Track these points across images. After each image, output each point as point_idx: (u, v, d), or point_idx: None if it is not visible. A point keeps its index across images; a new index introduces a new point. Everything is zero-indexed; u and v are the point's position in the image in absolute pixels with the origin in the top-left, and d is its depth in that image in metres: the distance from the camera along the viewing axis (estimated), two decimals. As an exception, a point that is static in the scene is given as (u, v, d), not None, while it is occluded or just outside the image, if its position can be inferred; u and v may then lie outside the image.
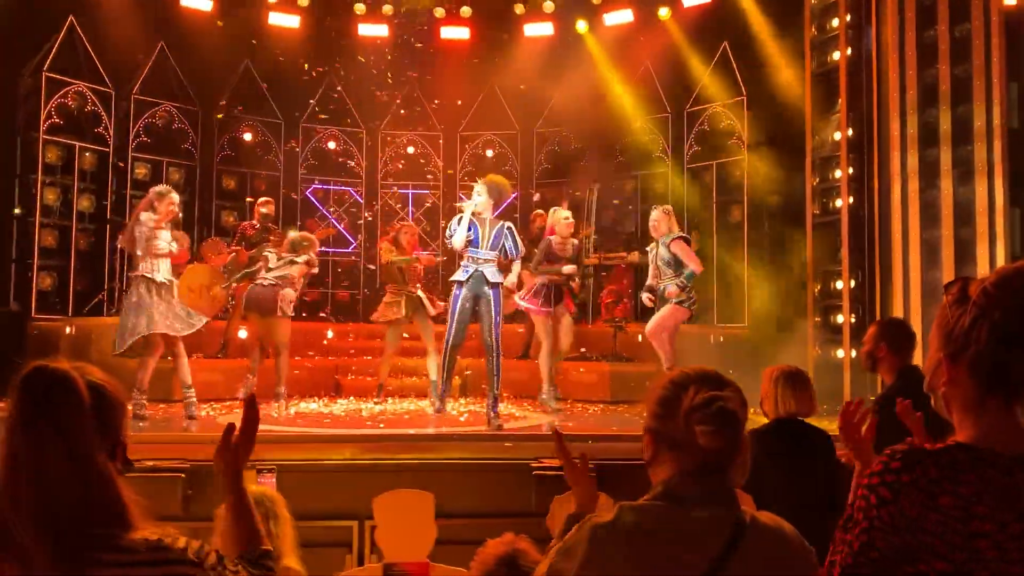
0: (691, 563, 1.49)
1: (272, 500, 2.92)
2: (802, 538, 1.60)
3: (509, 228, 6.48)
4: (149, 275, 6.35)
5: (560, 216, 7.72)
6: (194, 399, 6.59)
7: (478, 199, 6.40)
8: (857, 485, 1.67)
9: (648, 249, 7.25)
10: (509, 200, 9.65)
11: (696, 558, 1.50)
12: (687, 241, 7.10)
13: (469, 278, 6.31)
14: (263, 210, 8.72)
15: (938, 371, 1.57)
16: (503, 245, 6.41)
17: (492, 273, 6.35)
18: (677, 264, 6.90)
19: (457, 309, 6.32)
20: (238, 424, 1.88)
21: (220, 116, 10.47)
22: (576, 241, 7.71)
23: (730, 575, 1.49)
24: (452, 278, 6.53)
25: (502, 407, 7.80)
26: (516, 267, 6.75)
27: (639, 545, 1.51)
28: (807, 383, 3.42)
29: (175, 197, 6.61)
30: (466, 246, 6.33)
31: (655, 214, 7.13)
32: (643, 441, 1.66)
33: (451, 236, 6.40)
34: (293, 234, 7.83)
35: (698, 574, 1.49)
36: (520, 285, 7.45)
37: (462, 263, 6.42)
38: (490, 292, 6.32)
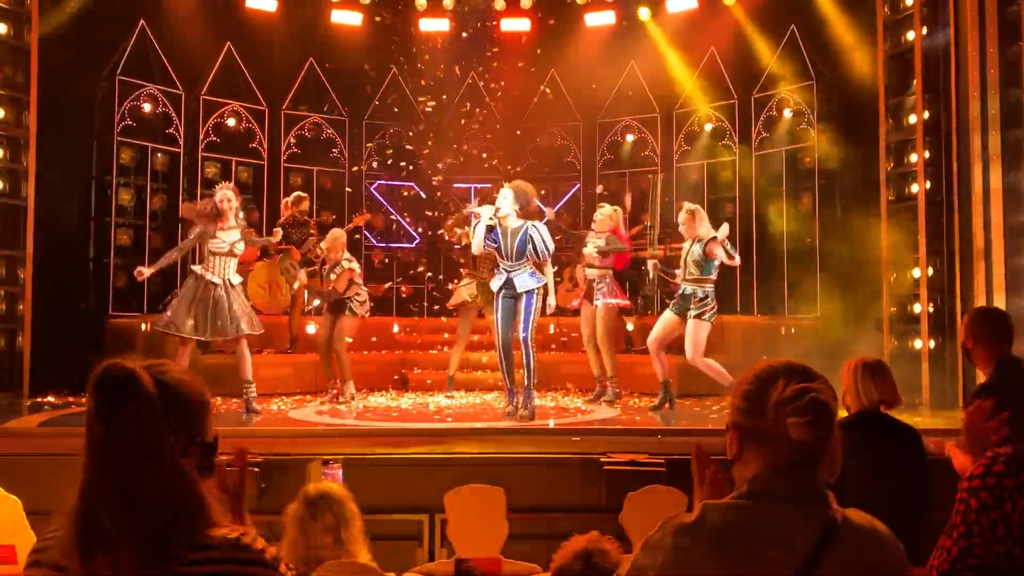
0: (780, 563, 1.42)
1: (339, 502, 2.89)
2: (895, 537, 1.52)
3: (533, 228, 6.31)
4: (210, 276, 6.48)
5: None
6: (254, 394, 6.67)
7: (502, 202, 6.32)
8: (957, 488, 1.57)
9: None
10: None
11: (785, 558, 1.42)
12: (723, 242, 6.89)
13: (502, 286, 6.40)
14: (301, 207, 8.81)
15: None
16: (528, 249, 6.30)
17: (522, 281, 6.32)
18: (705, 265, 6.73)
19: (500, 309, 6.41)
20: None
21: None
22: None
23: (822, 575, 1.42)
24: (492, 285, 6.61)
25: (567, 400, 7.78)
26: (548, 271, 6.60)
27: (725, 545, 1.44)
28: (888, 373, 3.30)
29: (229, 193, 6.68)
30: (495, 256, 6.45)
31: (690, 214, 6.87)
32: (727, 438, 1.60)
33: (472, 238, 6.51)
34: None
35: (788, 575, 1.41)
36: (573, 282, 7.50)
37: (496, 271, 6.52)
38: (521, 299, 6.32)
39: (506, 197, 6.31)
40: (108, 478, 1.43)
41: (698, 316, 6.68)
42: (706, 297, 6.72)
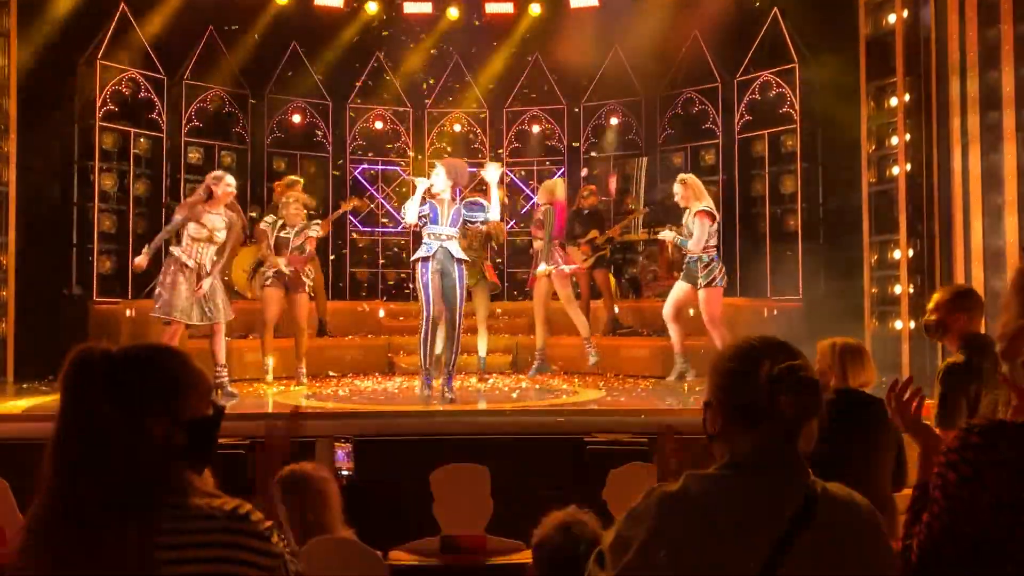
0: (762, 532, 1.47)
1: (306, 484, 2.90)
2: (873, 508, 1.56)
3: (472, 202, 6.41)
4: (185, 259, 6.42)
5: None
6: (226, 377, 6.66)
7: (435, 179, 6.31)
8: (931, 463, 1.59)
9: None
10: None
11: (767, 527, 1.47)
12: (711, 216, 6.99)
13: (433, 254, 6.23)
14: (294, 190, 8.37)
15: (1017, 338, 1.51)
16: (474, 217, 6.36)
17: (456, 249, 6.29)
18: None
19: (428, 287, 6.23)
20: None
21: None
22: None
23: (801, 545, 1.46)
24: (414, 256, 6.44)
25: (553, 381, 7.83)
26: (494, 188, 6.50)
27: (709, 514, 1.48)
28: (866, 354, 3.37)
29: (231, 180, 6.64)
30: (425, 224, 6.27)
31: (676, 186, 7.12)
32: (706, 415, 1.63)
33: (405, 215, 6.36)
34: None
35: (768, 544, 1.46)
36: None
37: (424, 241, 6.33)
38: (454, 269, 6.24)
39: (439, 174, 6.32)
40: (73, 456, 1.47)
41: (708, 284, 6.88)
42: (711, 262, 6.92)
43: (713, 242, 7.00)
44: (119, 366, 1.52)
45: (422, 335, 6.29)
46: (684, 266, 7.11)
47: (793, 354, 1.58)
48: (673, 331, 7.14)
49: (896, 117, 7.94)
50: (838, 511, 1.51)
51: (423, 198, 6.28)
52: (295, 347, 7.53)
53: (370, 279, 11.05)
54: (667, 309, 7.12)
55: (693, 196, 7.02)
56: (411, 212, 6.23)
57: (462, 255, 6.32)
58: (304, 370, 7.50)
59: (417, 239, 10.99)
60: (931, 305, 3.59)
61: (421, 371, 6.42)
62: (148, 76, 9.58)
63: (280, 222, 7.51)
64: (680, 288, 7.06)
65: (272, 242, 7.48)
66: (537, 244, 7.74)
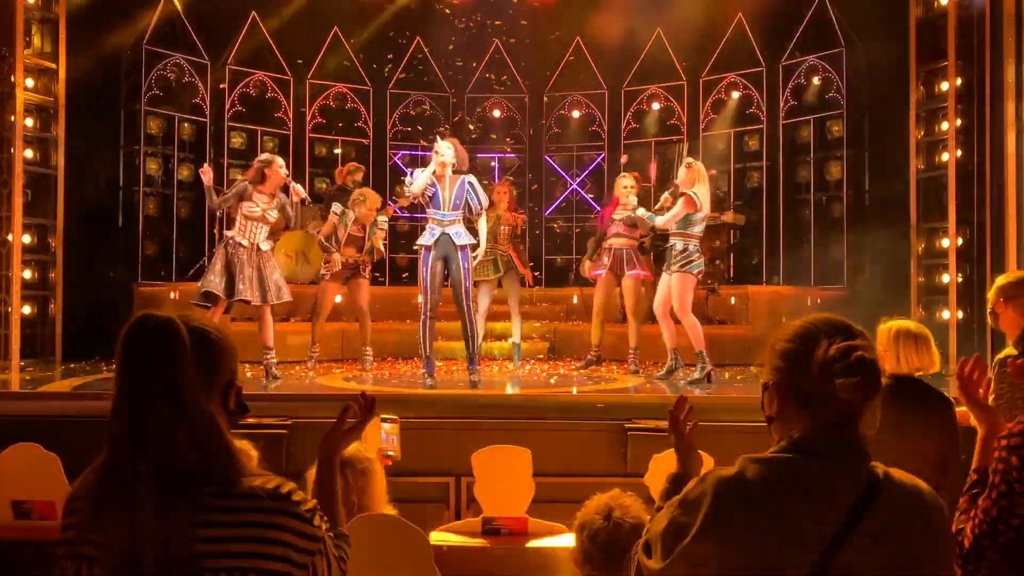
0: (822, 517, 1.43)
1: (348, 464, 2.92)
2: (936, 495, 1.52)
3: (470, 183, 6.26)
4: (240, 239, 6.44)
5: (621, 184, 7.60)
6: (274, 360, 6.70)
7: (448, 152, 6.17)
8: (989, 448, 1.54)
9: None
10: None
11: (827, 513, 1.43)
12: (693, 204, 6.49)
13: (436, 241, 6.16)
14: (355, 177, 8.50)
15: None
16: (465, 200, 6.22)
17: (458, 234, 6.17)
18: (684, 220, 6.50)
19: (428, 275, 6.17)
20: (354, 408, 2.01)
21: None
22: (634, 204, 7.40)
23: (863, 531, 1.42)
24: (418, 242, 6.36)
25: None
26: (482, 224, 6.47)
27: (767, 499, 1.44)
28: (928, 338, 3.27)
29: (282, 162, 6.61)
30: (428, 205, 6.19)
31: (681, 169, 6.73)
32: (764, 396, 1.59)
33: (411, 183, 6.21)
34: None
35: (830, 529, 1.42)
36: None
37: (427, 226, 6.26)
38: (458, 255, 6.15)
39: (449, 148, 6.21)
40: (139, 427, 1.43)
41: (680, 269, 6.47)
42: (685, 250, 6.49)
43: (696, 230, 6.53)
44: (192, 331, 1.50)
45: (420, 323, 6.28)
46: (665, 254, 6.75)
47: (853, 335, 1.52)
48: (663, 328, 6.74)
49: (947, 102, 7.75)
50: (901, 497, 1.47)
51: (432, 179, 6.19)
52: (360, 331, 7.68)
53: (409, 264, 11.08)
54: (656, 306, 6.73)
55: (690, 183, 6.68)
56: (419, 182, 6.13)
57: (466, 240, 6.22)
58: (370, 353, 7.63)
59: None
60: (989, 293, 3.52)
61: (423, 360, 6.39)
62: (192, 61, 9.69)
63: (352, 215, 7.53)
64: (663, 281, 6.67)
65: (344, 236, 7.53)
66: (621, 242, 7.48)
